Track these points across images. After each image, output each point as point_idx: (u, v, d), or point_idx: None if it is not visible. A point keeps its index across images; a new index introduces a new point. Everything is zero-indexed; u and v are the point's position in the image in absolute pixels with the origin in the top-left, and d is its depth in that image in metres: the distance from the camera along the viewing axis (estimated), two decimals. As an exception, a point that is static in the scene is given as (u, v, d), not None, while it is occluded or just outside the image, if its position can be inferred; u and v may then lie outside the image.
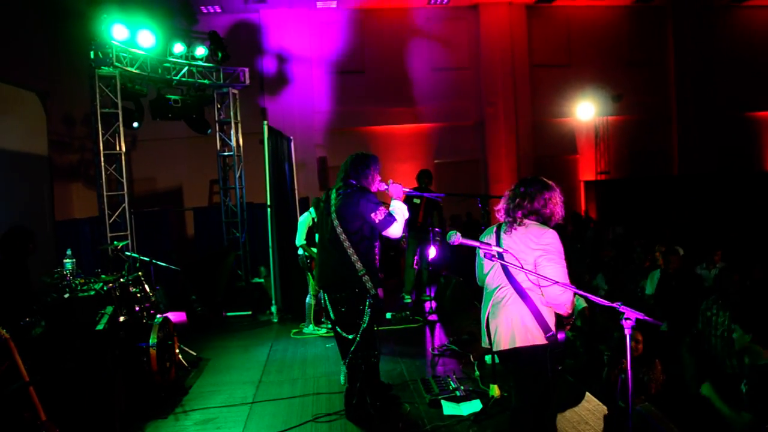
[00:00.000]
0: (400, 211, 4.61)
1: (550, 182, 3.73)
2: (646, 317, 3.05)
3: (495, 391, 5.04)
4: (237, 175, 11.20)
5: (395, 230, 4.54)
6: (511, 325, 3.55)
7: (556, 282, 3.32)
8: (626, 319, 3.00)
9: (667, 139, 17.73)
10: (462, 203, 14.17)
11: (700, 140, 17.26)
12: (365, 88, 15.48)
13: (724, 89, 17.16)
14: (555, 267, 3.47)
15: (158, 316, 5.90)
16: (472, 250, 3.76)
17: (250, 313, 8.99)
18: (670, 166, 17.67)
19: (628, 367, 3.04)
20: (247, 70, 11.04)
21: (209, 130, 11.08)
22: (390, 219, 4.51)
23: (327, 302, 4.74)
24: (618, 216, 13.14)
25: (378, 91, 15.43)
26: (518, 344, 3.52)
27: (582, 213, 15.44)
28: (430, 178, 8.67)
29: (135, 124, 10.25)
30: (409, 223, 8.49)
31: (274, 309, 8.58)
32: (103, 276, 6.05)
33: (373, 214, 4.47)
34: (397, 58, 15.59)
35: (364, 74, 15.60)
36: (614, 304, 3.09)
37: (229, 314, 8.98)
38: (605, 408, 4.85)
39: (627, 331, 3.03)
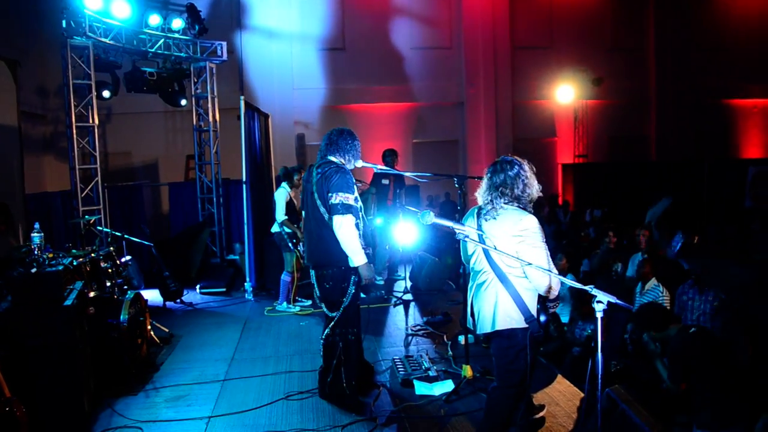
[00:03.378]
0: (353, 242, 4.43)
1: (525, 163, 3.73)
2: (618, 300, 3.07)
3: (467, 371, 5.06)
4: (213, 151, 11.07)
5: (342, 227, 4.39)
6: (492, 308, 3.59)
7: (543, 268, 3.32)
8: (598, 302, 3.01)
9: (646, 125, 17.85)
10: (440, 184, 14.17)
11: (678, 126, 17.41)
12: (346, 65, 15.31)
13: (702, 77, 17.28)
14: (535, 252, 3.47)
15: (130, 291, 5.82)
16: (448, 231, 3.76)
17: (224, 289, 8.92)
18: (647, 151, 17.81)
19: (599, 350, 3.05)
20: (225, 44, 10.87)
21: (185, 103, 10.90)
22: (344, 211, 4.39)
23: (314, 278, 4.72)
24: (595, 199, 13.22)
25: (358, 70, 15.28)
26: (498, 327, 3.56)
27: (560, 200, 15.50)
28: (396, 156, 8.62)
29: (106, 93, 10.04)
30: (379, 205, 8.48)
31: (248, 286, 8.52)
32: (73, 251, 5.94)
33: (333, 195, 4.39)
34: (379, 37, 15.43)
35: (345, 52, 15.43)
36: (587, 287, 3.10)
37: (203, 291, 8.91)
38: (576, 389, 4.91)
39: (599, 314, 3.03)
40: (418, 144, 15.78)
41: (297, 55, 15.00)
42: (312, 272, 4.73)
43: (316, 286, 4.70)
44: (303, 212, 4.86)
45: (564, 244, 9.34)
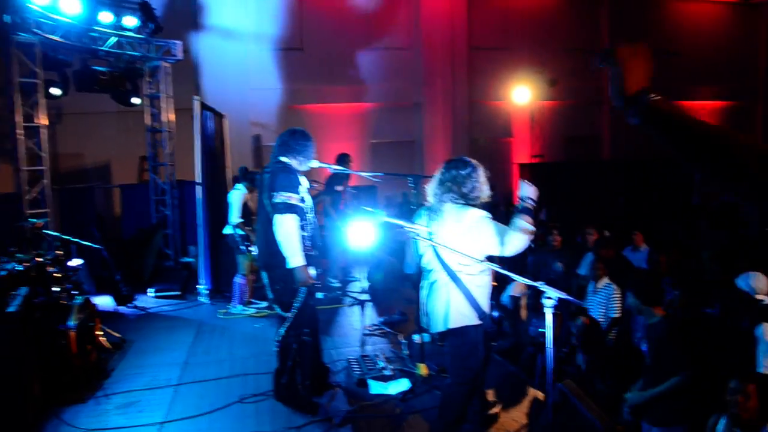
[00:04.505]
0: (290, 235, 4.41)
1: (475, 163, 3.77)
2: (569, 297, 3.12)
3: (422, 370, 5.08)
4: (167, 152, 10.88)
5: (282, 225, 4.35)
6: (444, 307, 3.63)
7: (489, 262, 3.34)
8: (548, 298, 3.06)
9: (599, 125, 18.18)
10: (398, 185, 14.18)
11: (631, 127, 17.65)
12: (303, 66, 15.19)
13: (654, 79, 17.60)
14: (486, 233, 3.52)
15: (79, 296, 5.67)
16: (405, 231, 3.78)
17: (178, 293, 8.76)
18: (601, 150, 18.15)
19: (549, 346, 3.09)
20: (180, 43, 10.69)
21: (138, 102, 10.68)
22: (289, 209, 4.36)
23: (266, 280, 4.70)
24: (550, 198, 13.38)
25: (316, 70, 15.17)
26: (451, 326, 3.60)
27: (515, 199, 15.66)
28: (351, 160, 8.60)
29: (56, 92, 9.76)
30: (332, 207, 8.47)
31: (203, 289, 8.40)
32: (18, 255, 5.77)
33: (275, 194, 4.37)
34: (336, 37, 15.35)
35: (302, 52, 15.32)
36: (537, 284, 3.14)
37: (156, 294, 8.73)
38: (531, 386, 4.97)
39: (548, 309, 3.08)
40: (376, 144, 15.77)
41: (254, 55, 14.82)
42: (263, 274, 4.69)
43: (268, 287, 4.66)
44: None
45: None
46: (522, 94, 15.05)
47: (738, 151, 1.24)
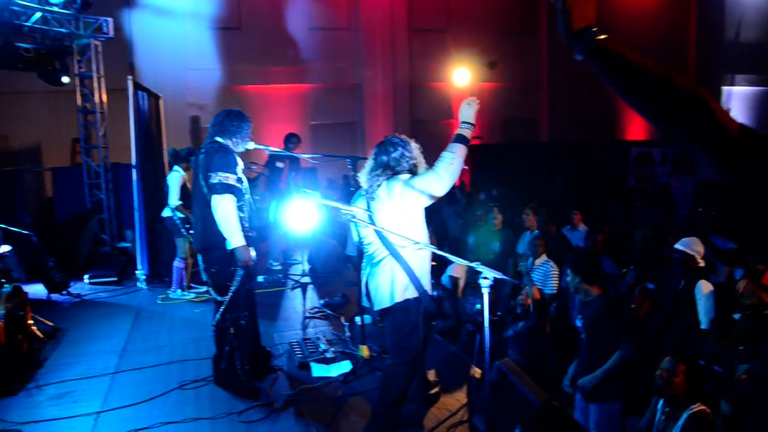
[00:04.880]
0: (231, 222, 4.39)
1: (403, 140, 3.81)
2: (504, 276, 3.18)
3: (364, 351, 5.12)
4: (100, 134, 10.52)
5: (219, 207, 4.31)
6: (389, 283, 3.67)
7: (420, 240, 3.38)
8: (484, 278, 3.11)
9: (538, 107, 18.51)
10: (340, 166, 14.11)
11: (568, 109, 18.16)
12: (241, 45, 14.88)
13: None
14: (418, 183, 3.60)
15: (7, 285, 5.45)
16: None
17: (115, 279, 8.52)
18: (539, 133, 18.50)
19: (486, 325, 3.15)
20: (111, 20, 10.28)
21: (67, 81, 10.25)
22: (227, 189, 4.31)
23: (201, 263, 4.63)
24: (490, 180, 13.59)
25: (255, 50, 14.88)
26: (397, 300, 3.65)
27: (457, 181, 15.80)
28: (299, 141, 8.54)
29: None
30: (272, 188, 8.39)
31: (140, 274, 8.20)
32: (-60, 242, 5.51)
33: (212, 174, 4.31)
34: (275, 16, 15.08)
35: (240, 31, 15.01)
36: (473, 264, 3.19)
37: (92, 281, 8.47)
38: (469, 363, 5.06)
39: (485, 289, 3.13)
40: (316, 126, 15.64)
41: (191, 34, 14.42)
42: (199, 257, 4.62)
43: (203, 270, 4.59)
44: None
45: (461, 224, 9.58)
46: (462, 76, 15.14)
47: (678, 92, 1.28)
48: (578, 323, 4.31)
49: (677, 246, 5.40)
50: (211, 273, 4.53)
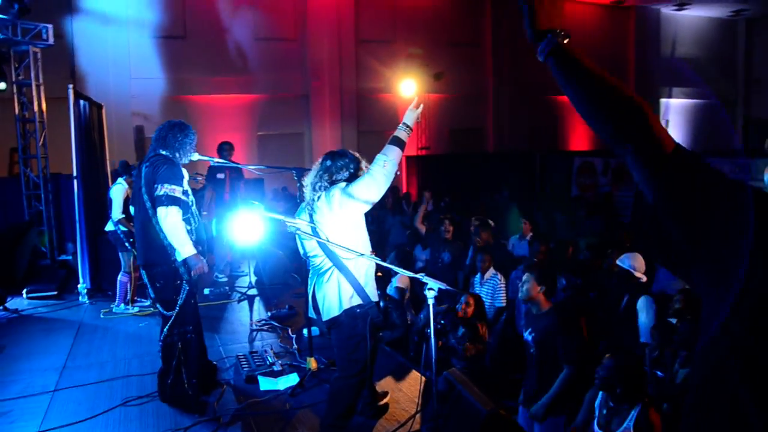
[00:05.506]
0: (179, 233, 4.32)
1: (352, 155, 3.86)
2: (449, 287, 3.23)
3: (312, 363, 5.11)
4: (39, 144, 10.22)
5: (167, 219, 4.25)
6: (337, 293, 3.69)
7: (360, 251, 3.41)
8: (429, 289, 3.15)
9: (484, 118, 18.82)
10: (286, 177, 14.04)
11: (513, 120, 18.55)
12: (186, 54, 14.66)
13: (534, 73, 18.41)
14: (355, 190, 3.63)
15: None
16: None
17: (55, 293, 8.27)
18: (485, 143, 18.80)
19: (431, 336, 3.20)
20: (51, 27, 10.01)
21: (5, 87, 9.94)
22: (168, 203, 4.25)
23: (146, 278, 4.56)
24: (437, 190, 13.74)
25: (200, 59, 14.68)
26: (345, 307, 3.66)
27: (403, 189, 15.90)
28: (232, 148, 8.46)
29: None
30: (216, 200, 8.32)
31: (82, 288, 7.99)
32: None
33: (158, 186, 4.25)
34: (221, 25, 14.91)
35: (185, 40, 14.80)
36: (418, 275, 3.24)
37: (30, 295, 8.20)
38: (418, 375, 5.11)
39: (430, 300, 3.18)
40: (263, 136, 15.55)
41: (134, 42, 14.15)
42: (143, 272, 4.55)
43: (148, 285, 4.52)
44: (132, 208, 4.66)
45: (408, 234, 9.64)
46: (408, 86, 15.30)
47: (625, 98, 1.37)
48: (527, 336, 4.40)
49: (618, 262, 5.55)
50: (157, 288, 4.47)
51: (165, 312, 4.46)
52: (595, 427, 3.60)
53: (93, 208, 8.29)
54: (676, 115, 22.50)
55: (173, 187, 4.28)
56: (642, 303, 5.24)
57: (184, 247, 4.29)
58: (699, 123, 22.86)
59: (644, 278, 5.46)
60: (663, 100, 21.99)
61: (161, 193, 4.24)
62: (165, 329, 4.48)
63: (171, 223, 4.25)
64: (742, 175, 10.30)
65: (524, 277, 4.37)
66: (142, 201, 4.40)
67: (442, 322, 5.30)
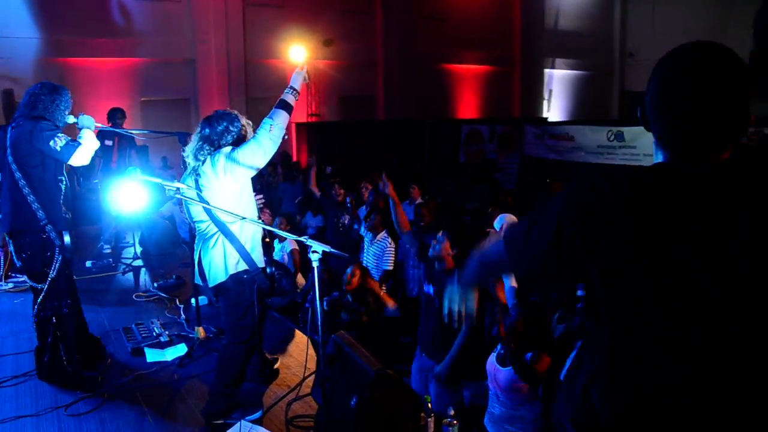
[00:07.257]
0: (88, 139, 4.21)
1: (232, 114, 3.80)
2: (333, 250, 3.25)
3: (200, 333, 5.05)
4: None
5: (81, 156, 4.13)
6: (222, 258, 3.67)
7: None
8: (313, 251, 3.15)
9: (374, 86, 18.89)
10: (172, 144, 13.49)
11: (403, 88, 18.73)
12: (61, 14, 13.60)
13: (424, 42, 18.74)
14: (241, 154, 3.60)
15: None
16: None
17: None
18: (375, 111, 18.90)
19: (316, 299, 3.22)
20: None
21: None
22: (73, 144, 4.10)
23: (12, 248, 4.28)
24: (328, 157, 13.71)
25: (76, 19, 13.68)
26: (231, 272, 3.65)
27: (294, 157, 15.76)
28: (124, 116, 8.16)
29: None
30: (103, 169, 7.96)
31: (-53, 265, 7.43)
32: None
33: (51, 142, 4.03)
34: (99, -17, 14.03)
35: (57, -2, 13.78)
36: (301, 238, 3.25)
37: None
38: (307, 341, 5.16)
39: (314, 264, 3.19)
40: (147, 102, 14.85)
41: (1, -1, 13.03)
42: (9, 241, 4.28)
43: (14, 255, 4.27)
44: None
45: (299, 201, 9.61)
46: (298, 53, 15.08)
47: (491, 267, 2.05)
48: (430, 289, 4.47)
49: (495, 223, 5.78)
50: (23, 258, 4.20)
51: (35, 285, 4.23)
52: (494, 359, 3.84)
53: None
54: (558, 84, 23.55)
55: (61, 135, 4.06)
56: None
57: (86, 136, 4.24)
58: (580, 93, 24.07)
59: None
60: (546, 70, 22.92)
61: (59, 147, 4.02)
62: (37, 304, 4.25)
63: (87, 152, 4.15)
64: (617, 141, 11.07)
65: (438, 236, 4.39)
66: (7, 164, 4.10)
67: (335, 294, 5.36)
